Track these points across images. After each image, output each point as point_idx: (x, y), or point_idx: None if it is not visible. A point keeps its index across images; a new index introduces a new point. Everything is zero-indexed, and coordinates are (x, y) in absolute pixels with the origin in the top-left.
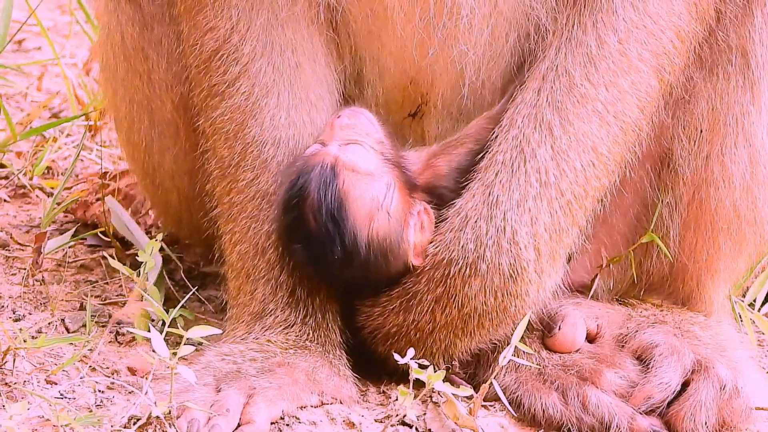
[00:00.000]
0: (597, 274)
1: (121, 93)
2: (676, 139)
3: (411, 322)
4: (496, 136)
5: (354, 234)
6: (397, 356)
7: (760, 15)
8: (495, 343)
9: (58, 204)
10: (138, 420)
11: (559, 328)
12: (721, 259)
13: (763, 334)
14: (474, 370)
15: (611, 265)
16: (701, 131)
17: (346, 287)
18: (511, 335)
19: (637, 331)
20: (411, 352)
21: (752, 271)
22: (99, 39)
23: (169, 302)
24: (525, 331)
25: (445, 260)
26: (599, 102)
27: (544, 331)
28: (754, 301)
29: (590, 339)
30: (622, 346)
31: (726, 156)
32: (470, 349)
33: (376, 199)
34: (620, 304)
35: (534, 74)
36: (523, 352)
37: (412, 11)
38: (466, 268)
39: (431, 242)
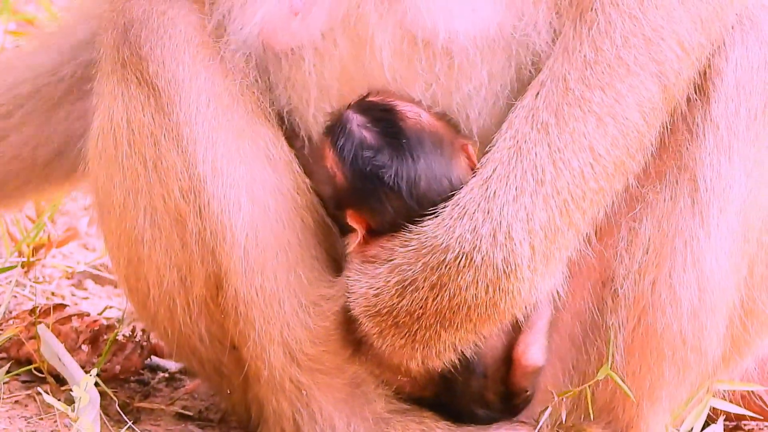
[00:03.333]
0: (547, 407)
1: (118, 179)
2: (618, 258)
3: (403, 306)
4: (495, 138)
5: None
6: None
7: (712, 139)
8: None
9: None
10: None
11: None
12: (663, 387)
13: None
14: None
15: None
16: (647, 251)
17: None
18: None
19: None
20: None
21: (691, 400)
22: (98, 125)
23: None
24: None
25: (442, 246)
26: (595, 104)
27: None
28: (690, 430)
29: None
30: None
31: (674, 280)
32: (454, 346)
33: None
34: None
35: (533, 83)
36: None
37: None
38: (462, 257)
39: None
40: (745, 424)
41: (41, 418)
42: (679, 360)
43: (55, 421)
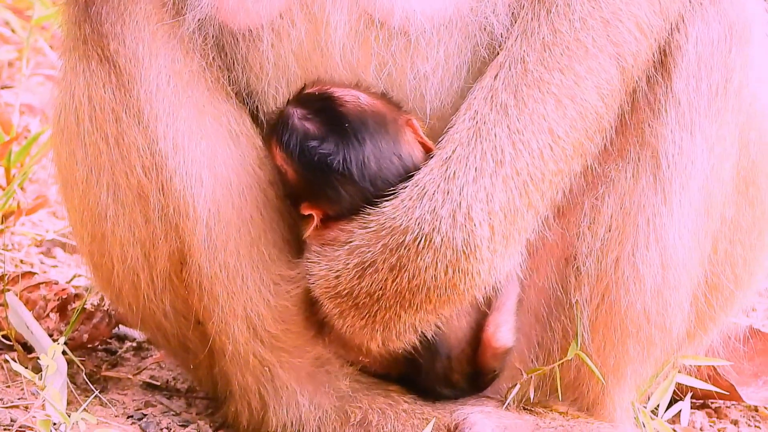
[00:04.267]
0: (515, 384)
1: (80, 155)
2: (581, 236)
3: (363, 288)
4: (454, 119)
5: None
6: None
7: (673, 115)
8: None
9: None
10: None
11: None
12: (628, 364)
13: None
14: None
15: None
16: (610, 229)
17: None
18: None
19: None
20: None
21: (656, 377)
22: (59, 101)
23: (71, 405)
24: None
25: (401, 227)
26: (554, 85)
27: None
28: (657, 407)
29: None
30: None
31: (637, 257)
32: (414, 327)
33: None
34: (527, 412)
35: (492, 64)
36: None
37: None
38: (421, 238)
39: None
40: (712, 402)
41: (8, 386)
42: (643, 337)
43: (23, 389)
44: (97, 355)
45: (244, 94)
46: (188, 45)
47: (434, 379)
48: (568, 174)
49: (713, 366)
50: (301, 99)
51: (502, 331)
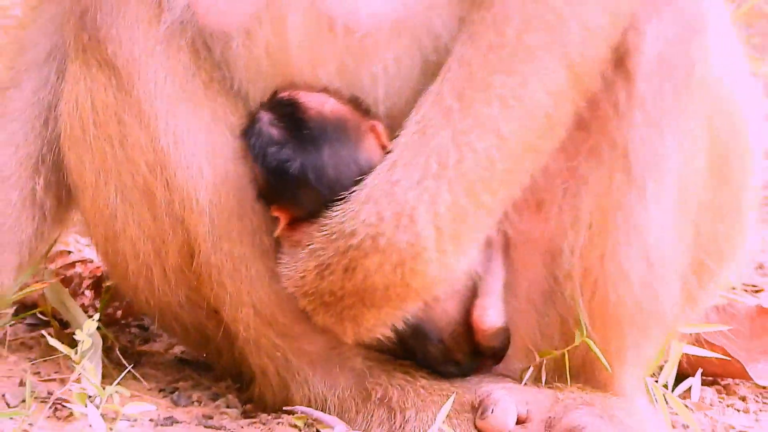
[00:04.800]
0: (529, 367)
1: (87, 160)
2: (564, 234)
3: (325, 288)
4: (405, 123)
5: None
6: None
7: (640, 116)
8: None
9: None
10: None
11: (492, 411)
12: (628, 348)
13: (677, 414)
14: None
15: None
16: (591, 227)
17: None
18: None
19: (564, 413)
20: (338, 428)
21: (662, 354)
22: (65, 109)
23: (105, 379)
24: (456, 411)
25: (349, 231)
26: (498, 87)
27: (477, 412)
28: (666, 384)
29: (520, 422)
30: (550, 428)
31: (620, 255)
32: (382, 322)
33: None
34: (548, 387)
35: (443, 68)
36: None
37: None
38: (367, 241)
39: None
40: (722, 380)
41: (45, 360)
42: (638, 325)
43: (59, 364)
44: (130, 331)
45: (235, 89)
46: (180, 43)
47: (434, 361)
48: (524, 172)
49: (724, 348)
50: (272, 104)
51: (489, 314)
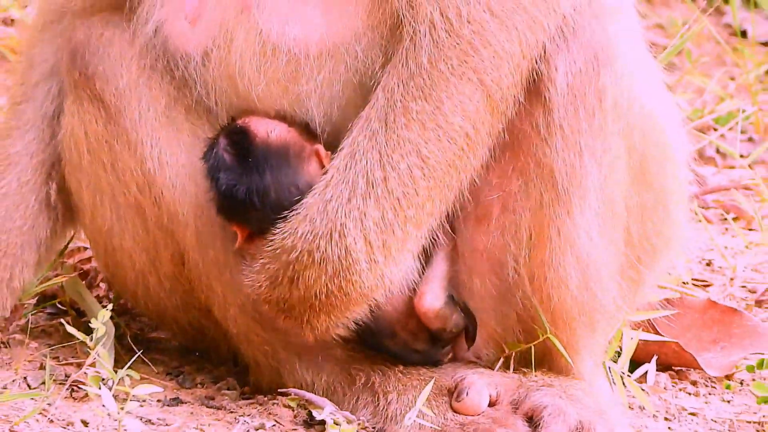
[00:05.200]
0: (500, 359)
1: (85, 183)
2: (506, 245)
3: (278, 297)
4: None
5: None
6: (315, 412)
7: (560, 140)
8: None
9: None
10: None
11: (467, 394)
12: (579, 340)
13: (635, 397)
14: (382, 425)
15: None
16: (531, 238)
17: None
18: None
19: (527, 394)
20: (328, 408)
21: (618, 340)
22: (64, 139)
23: (117, 363)
24: (434, 393)
25: (289, 246)
26: (416, 112)
27: (453, 395)
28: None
29: (490, 404)
30: (516, 409)
31: (555, 262)
32: (334, 324)
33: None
34: (514, 372)
35: (371, 95)
36: (427, 414)
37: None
38: (304, 255)
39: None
40: (674, 367)
41: (63, 346)
42: (585, 320)
43: (75, 349)
44: (140, 320)
45: (212, 109)
46: (161, 72)
47: (397, 352)
48: (448, 187)
49: (678, 342)
50: (228, 129)
51: (426, 297)
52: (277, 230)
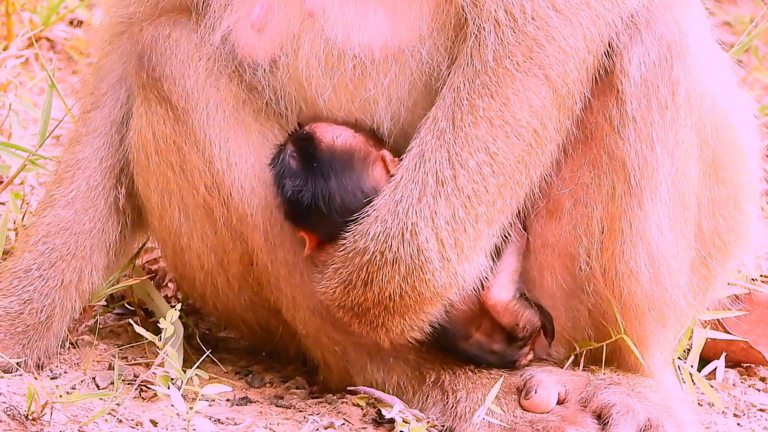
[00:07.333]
0: (571, 356)
1: (152, 184)
2: (578, 239)
3: (351, 301)
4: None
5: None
6: (384, 411)
7: (632, 132)
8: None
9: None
10: None
11: (536, 392)
12: (649, 336)
13: (704, 394)
14: (451, 423)
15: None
16: (603, 231)
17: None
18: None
19: (595, 393)
20: (398, 406)
21: (688, 337)
22: (132, 142)
23: (186, 363)
24: (503, 392)
25: (361, 248)
26: (484, 109)
27: (521, 393)
28: (692, 365)
29: (558, 402)
30: (585, 407)
31: (627, 255)
32: (409, 327)
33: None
34: (582, 369)
35: (438, 95)
36: (496, 412)
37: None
38: (377, 256)
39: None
40: (744, 363)
41: (131, 347)
42: (655, 314)
43: (144, 349)
44: (209, 320)
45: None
46: (231, 75)
47: (472, 355)
48: (519, 184)
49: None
50: (296, 136)
51: (494, 290)
52: (348, 234)
